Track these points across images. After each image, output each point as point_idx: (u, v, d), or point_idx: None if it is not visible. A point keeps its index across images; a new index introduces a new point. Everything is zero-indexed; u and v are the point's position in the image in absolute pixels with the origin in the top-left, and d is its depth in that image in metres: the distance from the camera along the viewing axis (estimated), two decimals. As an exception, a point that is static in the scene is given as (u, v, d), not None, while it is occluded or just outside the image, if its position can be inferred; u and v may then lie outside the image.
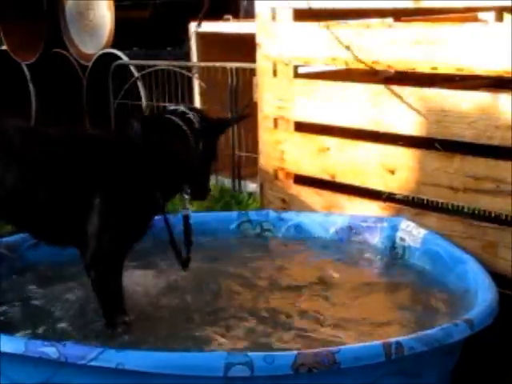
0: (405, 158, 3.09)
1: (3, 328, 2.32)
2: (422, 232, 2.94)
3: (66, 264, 2.82)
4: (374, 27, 3.23)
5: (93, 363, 1.97)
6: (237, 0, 5.59)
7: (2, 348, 2.04)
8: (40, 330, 2.42)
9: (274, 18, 3.48)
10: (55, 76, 6.07)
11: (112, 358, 1.97)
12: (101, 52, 5.59)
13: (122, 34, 5.59)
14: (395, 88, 3.08)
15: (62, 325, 2.46)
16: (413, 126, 3.03)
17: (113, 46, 5.54)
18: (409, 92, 3.04)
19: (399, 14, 3.63)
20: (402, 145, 3.15)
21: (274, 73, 3.52)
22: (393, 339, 2.08)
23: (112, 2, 5.61)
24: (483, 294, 2.41)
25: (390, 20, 3.67)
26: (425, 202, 3.19)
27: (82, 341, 2.30)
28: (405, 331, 2.35)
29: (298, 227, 3.23)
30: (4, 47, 6.33)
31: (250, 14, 4.62)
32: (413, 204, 3.19)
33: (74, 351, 2.00)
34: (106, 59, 5.46)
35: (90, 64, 5.65)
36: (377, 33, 3.11)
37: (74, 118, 5.93)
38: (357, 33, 3.16)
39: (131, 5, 5.87)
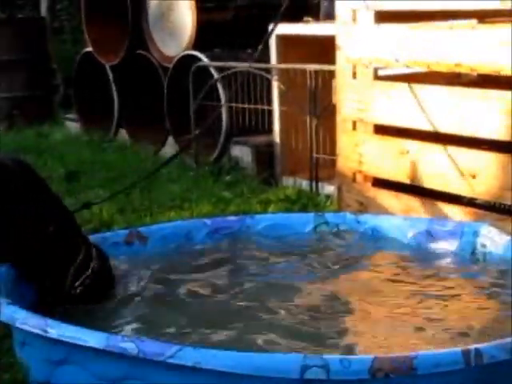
0: (487, 163, 3.03)
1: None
2: (505, 238, 2.87)
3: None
4: (457, 28, 3.18)
5: (170, 361, 1.99)
6: (317, 2, 5.59)
7: (85, 342, 2.08)
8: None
9: (354, 19, 3.46)
10: (137, 77, 6.19)
11: (189, 356, 1.98)
12: (182, 54, 5.66)
13: (204, 35, 5.64)
14: (478, 91, 3.02)
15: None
16: (496, 130, 2.96)
17: (195, 48, 5.61)
18: (492, 95, 2.97)
19: (483, 16, 3.56)
20: (484, 149, 3.09)
21: (354, 75, 3.50)
22: (472, 346, 2.04)
23: (193, 2, 5.66)
24: None
25: (473, 21, 3.61)
26: (507, 207, 3.13)
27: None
28: (485, 339, 2.30)
29: (375, 230, 3.19)
30: (89, 49, 6.49)
31: (330, 16, 4.61)
32: (495, 209, 3.12)
33: (152, 348, 2.02)
34: (186, 61, 5.54)
35: (171, 65, 5.73)
36: (460, 34, 3.06)
37: (154, 119, 6.04)
38: (439, 34, 3.11)
39: (213, 7, 5.92)
